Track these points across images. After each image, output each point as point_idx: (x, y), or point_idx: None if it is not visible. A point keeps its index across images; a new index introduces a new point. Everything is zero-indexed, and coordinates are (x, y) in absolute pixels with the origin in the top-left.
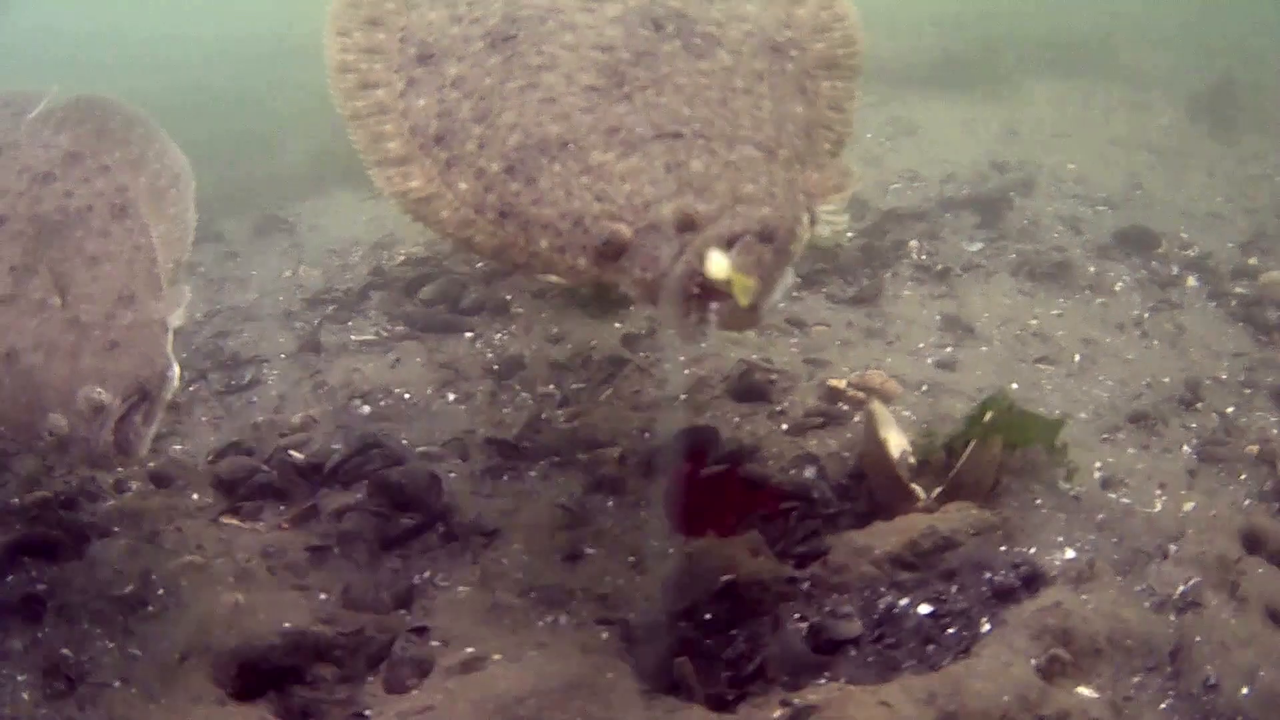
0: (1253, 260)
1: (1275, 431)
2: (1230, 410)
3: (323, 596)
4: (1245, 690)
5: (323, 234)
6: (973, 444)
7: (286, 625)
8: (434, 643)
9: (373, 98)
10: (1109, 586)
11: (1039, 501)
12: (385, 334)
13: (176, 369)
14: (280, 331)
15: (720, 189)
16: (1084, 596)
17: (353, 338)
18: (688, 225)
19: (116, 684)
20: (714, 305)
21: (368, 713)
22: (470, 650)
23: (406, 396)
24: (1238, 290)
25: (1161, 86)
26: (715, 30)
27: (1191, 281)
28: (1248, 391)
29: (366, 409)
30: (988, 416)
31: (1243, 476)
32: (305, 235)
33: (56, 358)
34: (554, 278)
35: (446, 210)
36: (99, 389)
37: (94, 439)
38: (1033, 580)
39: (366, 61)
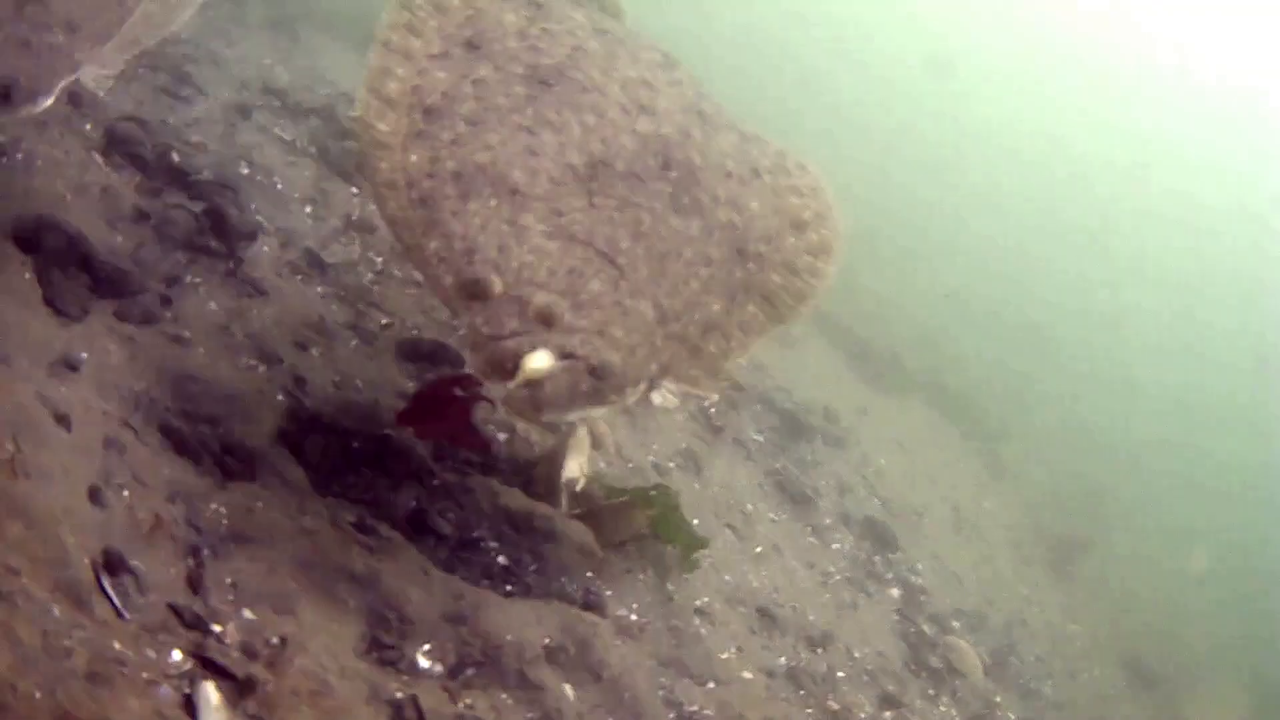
0: (956, 624)
1: (862, 715)
2: (823, 670)
3: (119, 239)
4: None
5: (316, 59)
6: (625, 498)
7: (84, 230)
8: (169, 314)
9: (409, 42)
10: (642, 649)
11: (641, 578)
12: (299, 146)
13: (48, 103)
14: (229, 89)
15: (595, 316)
16: (616, 643)
17: (274, 130)
18: (546, 321)
19: None
20: (510, 384)
21: (91, 312)
22: (188, 334)
23: (279, 187)
24: (925, 627)
25: (1015, 489)
26: (707, 202)
27: (894, 592)
28: (865, 679)
29: (245, 170)
30: (653, 493)
31: (809, 709)
32: (302, 50)
33: None
34: (419, 275)
35: (386, 164)
36: None
37: None
38: (591, 607)
39: (425, 12)
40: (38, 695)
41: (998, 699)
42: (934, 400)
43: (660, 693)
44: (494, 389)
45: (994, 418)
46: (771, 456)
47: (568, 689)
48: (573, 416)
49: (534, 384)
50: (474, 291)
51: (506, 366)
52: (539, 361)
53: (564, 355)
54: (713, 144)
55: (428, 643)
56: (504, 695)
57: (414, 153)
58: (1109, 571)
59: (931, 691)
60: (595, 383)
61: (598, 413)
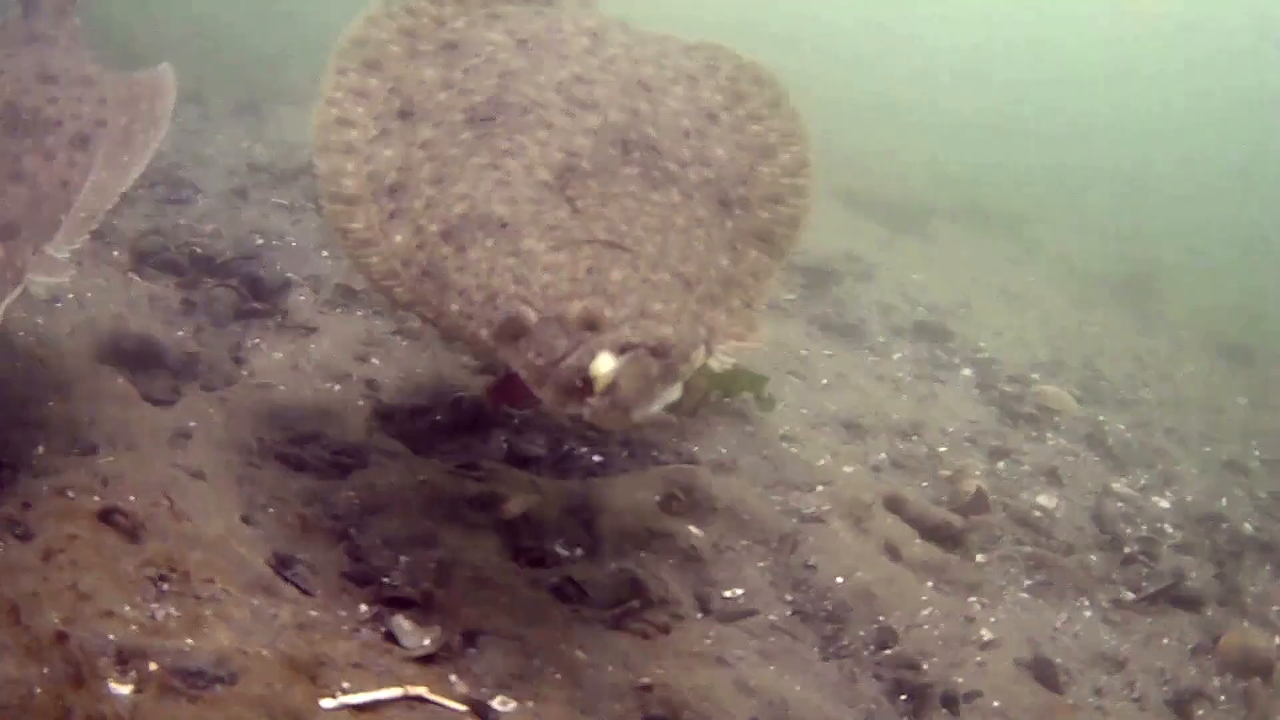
0: (1035, 376)
1: (977, 472)
2: (942, 450)
3: (180, 334)
4: (840, 579)
5: (285, 129)
6: None
7: (152, 335)
8: (245, 372)
9: (345, 135)
10: (743, 478)
11: (720, 429)
12: (298, 206)
13: None
14: (220, 179)
15: (631, 301)
16: (718, 478)
17: (272, 199)
18: (590, 325)
19: (21, 334)
20: (591, 400)
21: (182, 394)
22: (268, 380)
23: (293, 244)
24: (1006, 388)
25: (1054, 258)
26: (676, 169)
27: (966, 372)
28: (967, 444)
29: (260, 241)
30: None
31: (924, 484)
32: (272, 126)
33: None
34: (457, 340)
35: (377, 258)
36: None
37: None
38: (688, 461)
39: (351, 102)
40: (264, 653)
41: (1101, 418)
42: (949, 214)
43: (776, 508)
44: (576, 413)
45: (1010, 209)
46: (809, 307)
47: (693, 529)
48: (657, 406)
49: (610, 389)
50: (513, 330)
51: (576, 384)
52: (604, 365)
53: (622, 349)
54: (662, 110)
55: (560, 536)
56: (642, 553)
57: (396, 234)
58: (1174, 292)
59: (1034, 434)
60: (662, 362)
61: (675, 394)
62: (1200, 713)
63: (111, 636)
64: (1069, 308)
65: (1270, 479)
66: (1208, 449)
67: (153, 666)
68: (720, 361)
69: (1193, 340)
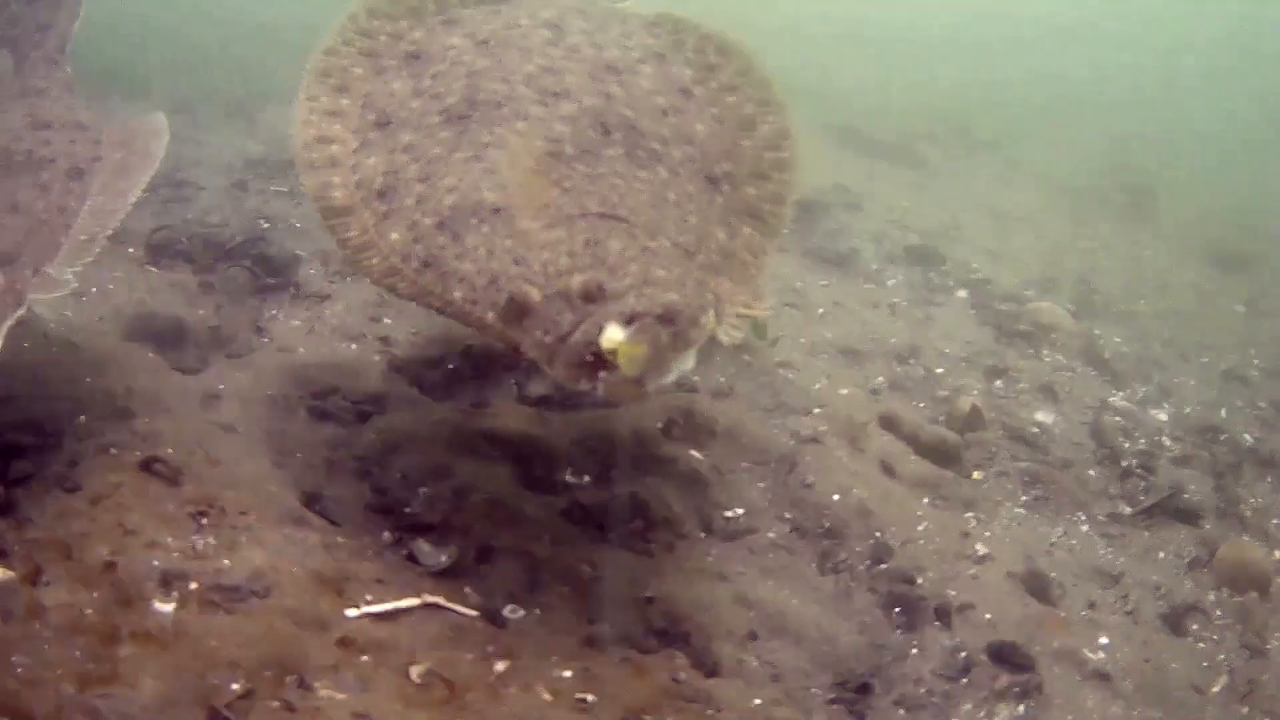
0: (1030, 293)
1: (974, 391)
2: (939, 371)
3: (201, 312)
4: (837, 497)
5: (276, 125)
6: None
7: (175, 314)
8: (266, 340)
9: (326, 152)
10: (741, 404)
11: (718, 359)
12: (298, 191)
13: None
14: (219, 175)
15: (633, 270)
16: (716, 404)
17: (272, 187)
18: (594, 297)
19: (52, 324)
20: (603, 374)
21: (209, 363)
22: (288, 345)
23: (298, 225)
24: (1001, 307)
25: (1039, 176)
26: (659, 148)
27: (961, 294)
28: (963, 365)
29: (266, 225)
30: None
31: (921, 404)
32: (262, 124)
33: None
34: (468, 328)
35: (376, 258)
36: None
37: None
38: (687, 390)
39: (327, 122)
40: (295, 570)
41: (1096, 331)
42: (930, 141)
43: (774, 430)
44: (589, 387)
45: (988, 131)
46: (800, 241)
47: (693, 452)
48: (671, 376)
49: (621, 360)
50: (518, 311)
51: (587, 358)
52: (612, 334)
53: (629, 320)
54: (635, 91)
55: (569, 465)
56: (647, 478)
57: (392, 232)
58: (1165, 202)
59: (1030, 350)
60: (671, 329)
61: (689, 363)
62: (1194, 626)
63: (156, 563)
64: (1059, 224)
65: (1270, 388)
66: (1206, 359)
67: (193, 585)
68: (729, 334)
69: (1187, 250)
